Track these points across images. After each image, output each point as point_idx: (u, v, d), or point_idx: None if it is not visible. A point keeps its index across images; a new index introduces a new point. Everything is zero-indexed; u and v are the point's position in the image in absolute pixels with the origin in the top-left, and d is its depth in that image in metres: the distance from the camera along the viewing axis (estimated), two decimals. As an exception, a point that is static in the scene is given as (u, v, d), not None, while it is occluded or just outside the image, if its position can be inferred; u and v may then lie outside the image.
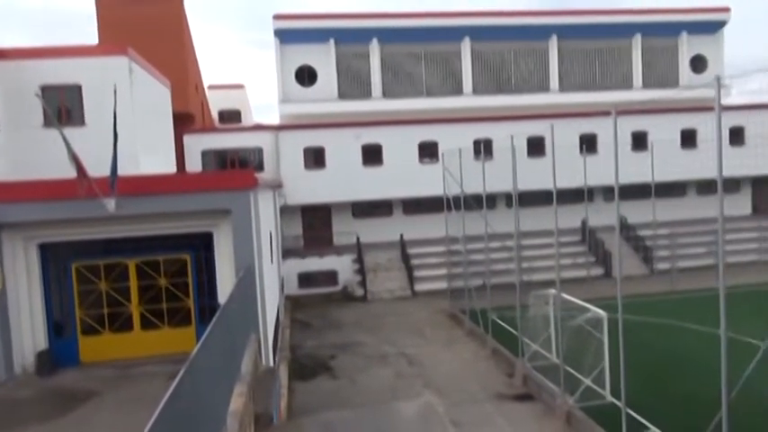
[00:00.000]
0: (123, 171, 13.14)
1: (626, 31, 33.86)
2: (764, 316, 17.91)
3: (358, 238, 27.99)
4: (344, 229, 29.22)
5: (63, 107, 17.38)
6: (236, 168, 27.11)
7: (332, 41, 31.57)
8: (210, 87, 37.59)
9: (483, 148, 18.19)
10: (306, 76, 31.86)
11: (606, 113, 10.66)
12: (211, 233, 14.06)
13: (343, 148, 28.13)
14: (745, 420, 9.54)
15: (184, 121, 26.36)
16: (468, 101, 32.59)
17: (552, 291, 13.88)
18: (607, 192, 29.55)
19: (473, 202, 18.88)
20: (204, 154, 27.70)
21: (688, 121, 29.61)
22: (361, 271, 26.51)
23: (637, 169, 21.87)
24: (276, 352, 15.89)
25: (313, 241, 29.11)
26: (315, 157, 28.21)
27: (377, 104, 31.90)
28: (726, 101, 30.80)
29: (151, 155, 19.28)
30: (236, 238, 13.48)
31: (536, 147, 26.47)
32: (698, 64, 34.94)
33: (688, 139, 30.14)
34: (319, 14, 31.77)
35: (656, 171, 25.86)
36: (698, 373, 13.99)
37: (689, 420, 10.86)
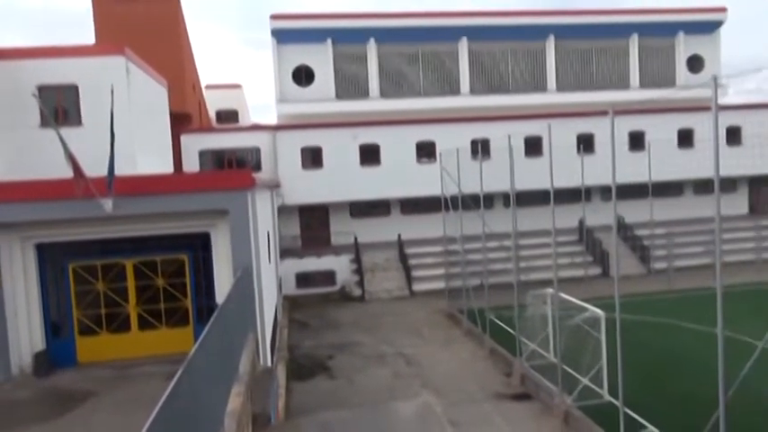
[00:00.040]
0: (120, 171, 13.12)
1: (623, 30, 33.92)
2: (761, 315, 17.96)
3: (356, 238, 27.98)
4: (342, 229, 29.22)
5: (60, 107, 17.36)
6: (234, 168, 27.11)
7: (329, 41, 31.57)
8: (208, 87, 37.54)
9: (480, 148, 18.17)
10: (303, 76, 31.85)
11: (603, 113, 10.68)
12: (209, 233, 14.04)
13: (340, 147, 28.13)
14: (742, 419, 9.56)
15: (182, 121, 26.33)
16: (465, 101, 32.62)
17: (550, 290, 13.90)
18: (604, 191, 29.53)
19: (470, 202, 18.89)
20: (201, 154, 27.68)
21: (685, 120, 29.67)
22: (359, 271, 26.50)
23: (634, 169, 21.87)
24: (274, 352, 15.88)
25: (311, 241, 29.10)
26: (312, 157, 28.20)
27: (374, 104, 31.91)
28: (723, 100, 30.93)
29: (148, 155, 19.25)
30: (233, 238, 13.47)
31: (533, 147, 26.50)
32: (695, 64, 35.02)
33: (685, 138, 30.20)
34: (316, 14, 31.75)
35: (654, 171, 25.90)
36: (695, 372, 14.02)
37: (687, 419, 10.89)
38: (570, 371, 12.60)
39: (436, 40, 32.52)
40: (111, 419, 10.41)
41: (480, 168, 17.10)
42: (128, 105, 17.35)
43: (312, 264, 26.78)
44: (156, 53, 22.38)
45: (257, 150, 28.28)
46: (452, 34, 32.43)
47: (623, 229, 28.75)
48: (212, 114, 38.37)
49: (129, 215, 13.00)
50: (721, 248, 7.97)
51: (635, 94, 33.40)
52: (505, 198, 26.86)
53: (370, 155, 28.51)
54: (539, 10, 34.08)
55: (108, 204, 12.34)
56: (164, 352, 13.76)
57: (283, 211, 27.40)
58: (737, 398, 8.01)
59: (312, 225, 29.50)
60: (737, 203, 32.37)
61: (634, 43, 34.15)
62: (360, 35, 31.69)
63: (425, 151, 28.69)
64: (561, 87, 33.66)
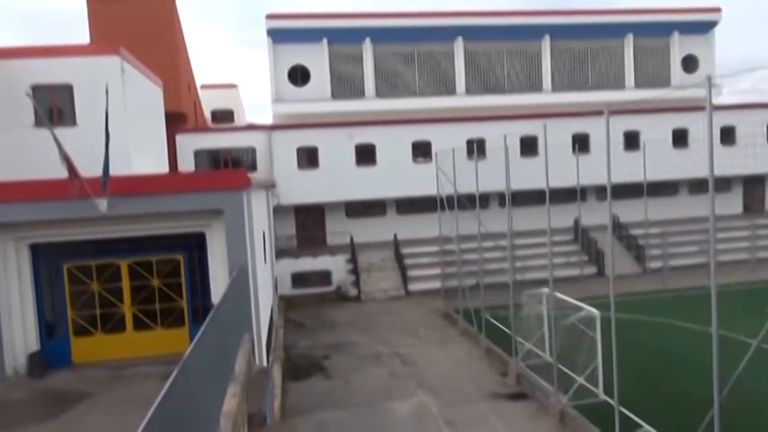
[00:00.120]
0: (115, 171, 13.07)
1: (618, 31, 34.03)
2: (756, 314, 18.03)
3: (351, 238, 27.97)
4: (338, 229, 29.20)
5: (54, 107, 17.29)
6: (229, 168, 27.04)
7: (325, 41, 31.56)
8: (203, 87, 37.50)
9: (476, 148, 18.21)
10: (299, 75, 31.84)
11: (598, 113, 10.70)
12: (204, 233, 14.01)
13: (336, 147, 28.12)
14: (736, 418, 9.59)
15: (177, 121, 26.26)
16: (460, 101, 32.66)
17: (545, 290, 13.92)
18: (600, 191, 29.67)
19: (466, 202, 18.91)
20: (197, 154, 27.61)
21: (680, 120, 29.78)
22: (355, 271, 26.50)
23: (629, 169, 21.91)
24: (270, 352, 15.85)
25: (306, 241, 29.08)
26: (308, 157, 28.18)
27: (370, 104, 31.91)
28: (717, 100, 31.01)
29: (143, 155, 19.19)
30: (229, 238, 13.44)
31: (529, 146, 26.54)
32: (689, 64, 35.16)
33: (680, 138, 30.31)
34: (312, 14, 31.76)
35: (649, 170, 26.00)
36: (690, 371, 14.07)
37: (681, 418, 10.93)
38: (566, 370, 12.63)
39: (432, 40, 32.55)
40: (106, 420, 10.38)
41: (476, 168, 17.12)
42: (123, 105, 17.30)
43: (308, 264, 26.76)
44: (152, 53, 22.32)
45: (253, 150, 28.23)
46: (448, 34, 32.47)
47: (618, 228, 28.82)
48: (208, 114, 38.29)
49: (123, 215, 12.96)
50: (716, 248, 8.00)
51: (630, 94, 33.51)
52: (501, 198, 27.06)
53: (365, 155, 28.50)
54: (534, 10, 34.15)
55: (103, 204, 12.30)
56: (159, 352, 13.73)
57: (279, 211, 27.37)
58: (732, 397, 8.04)
59: (308, 225, 29.48)
60: (732, 203, 32.49)
61: (629, 43, 34.26)
62: (355, 35, 31.69)
63: (421, 151, 28.71)
64: (556, 87, 33.74)
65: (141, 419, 4.42)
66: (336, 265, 26.85)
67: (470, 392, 13.84)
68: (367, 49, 32.00)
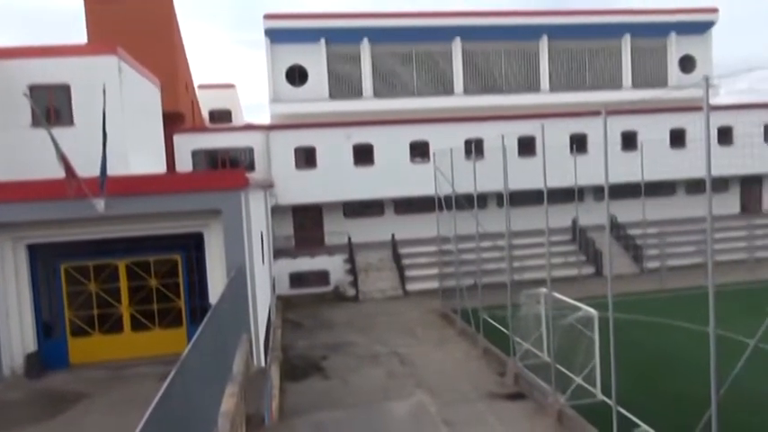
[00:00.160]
0: (113, 171, 13.04)
1: (615, 31, 34.06)
2: (753, 313, 18.02)
3: (349, 238, 27.96)
4: (336, 229, 29.19)
5: (51, 107, 17.24)
6: (227, 168, 27.00)
7: (323, 41, 31.54)
8: (201, 87, 37.40)
9: (474, 148, 18.22)
10: (296, 75, 31.80)
11: (596, 113, 10.71)
12: (202, 233, 13.99)
13: (334, 147, 28.11)
14: (734, 418, 9.62)
15: (174, 121, 26.22)
16: (458, 101, 32.66)
17: (543, 290, 13.93)
18: (597, 191, 29.70)
19: (464, 202, 18.92)
20: (195, 154, 27.57)
21: (677, 120, 29.82)
22: (353, 271, 26.49)
23: (626, 169, 21.98)
24: (268, 352, 15.84)
25: (304, 241, 29.06)
26: (306, 157, 28.16)
27: (368, 104, 31.89)
28: (714, 101, 31.10)
29: (141, 155, 19.16)
30: (226, 238, 13.42)
31: (526, 146, 26.56)
32: (687, 64, 35.21)
33: (677, 138, 30.37)
34: (310, 14, 31.73)
35: (646, 170, 26.03)
36: (688, 371, 14.10)
37: (679, 418, 10.95)
38: (564, 370, 12.65)
39: (430, 40, 32.54)
40: (103, 420, 10.36)
41: (474, 168, 17.13)
42: (120, 105, 17.27)
43: (306, 264, 26.75)
44: (149, 52, 22.27)
45: (250, 150, 28.20)
46: (446, 34, 32.46)
47: (616, 228, 28.87)
48: (205, 114, 38.25)
49: (121, 215, 12.93)
50: (713, 248, 8.01)
51: (627, 94, 33.54)
52: (499, 198, 27.09)
53: (363, 155, 28.50)
54: (532, 10, 34.17)
55: (100, 204, 12.27)
56: (157, 353, 13.69)
57: (277, 211, 27.36)
58: (729, 396, 8.05)
59: (306, 225, 29.46)
60: (729, 203, 32.55)
61: (626, 44, 34.29)
62: (353, 35, 31.67)
63: (419, 151, 28.71)
64: (554, 87, 33.77)
65: (139, 420, 4.41)
66: (334, 265, 26.84)
67: (468, 392, 13.84)
68: (365, 49, 31.98)
